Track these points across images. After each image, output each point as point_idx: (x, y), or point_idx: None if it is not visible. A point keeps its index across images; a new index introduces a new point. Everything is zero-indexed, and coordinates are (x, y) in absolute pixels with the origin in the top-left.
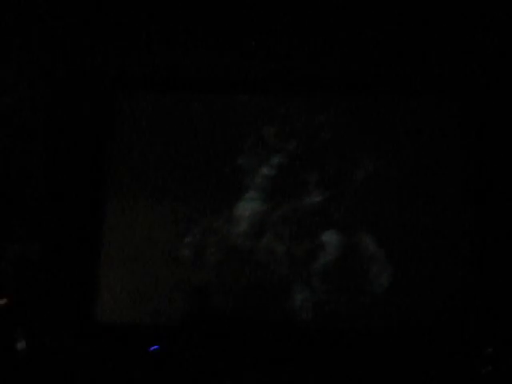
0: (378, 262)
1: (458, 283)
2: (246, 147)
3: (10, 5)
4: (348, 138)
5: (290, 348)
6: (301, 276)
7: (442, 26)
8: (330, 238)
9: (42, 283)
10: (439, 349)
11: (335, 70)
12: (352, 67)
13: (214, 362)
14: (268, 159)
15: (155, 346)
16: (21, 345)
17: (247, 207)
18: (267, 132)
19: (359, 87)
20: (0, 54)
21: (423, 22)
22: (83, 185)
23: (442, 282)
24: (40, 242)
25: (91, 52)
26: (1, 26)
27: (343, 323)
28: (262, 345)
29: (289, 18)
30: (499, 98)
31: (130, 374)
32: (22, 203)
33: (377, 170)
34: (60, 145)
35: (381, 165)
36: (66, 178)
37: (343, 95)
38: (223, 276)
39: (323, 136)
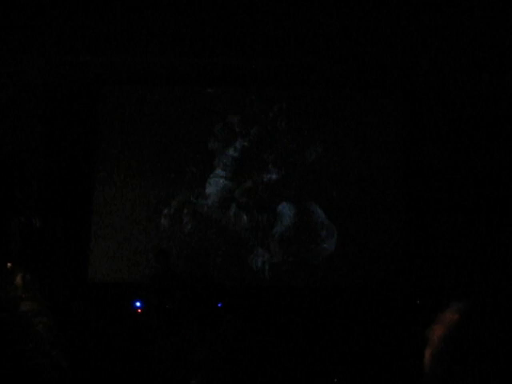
0: (326, 229)
1: (391, 247)
2: (214, 132)
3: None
4: (301, 125)
5: (251, 302)
6: (261, 240)
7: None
8: (285, 208)
9: (44, 250)
10: (378, 303)
11: (291, 65)
12: (304, 63)
13: (186, 314)
14: (233, 142)
15: (137, 302)
16: None
17: (216, 183)
18: (232, 120)
19: (310, 81)
20: None
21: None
22: (77, 167)
23: (377, 248)
24: (41, 215)
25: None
26: None
27: (296, 281)
28: (228, 299)
29: (248, 18)
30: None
31: (117, 326)
32: (25, 181)
33: (324, 152)
34: (57, 130)
35: (328, 147)
36: (62, 160)
37: (296, 88)
38: (196, 241)
39: (279, 123)
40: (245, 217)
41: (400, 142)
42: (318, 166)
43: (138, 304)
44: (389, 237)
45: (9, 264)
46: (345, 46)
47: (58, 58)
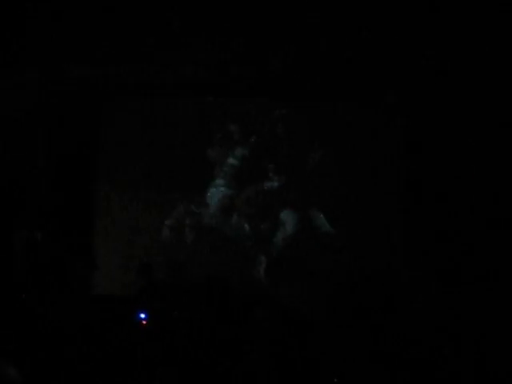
0: (329, 235)
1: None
2: (213, 142)
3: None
4: (299, 132)
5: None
6: (264, 248)
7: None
8: (287, 216)
9: (46, 263)
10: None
11: (289, 73)
12: (299, 75)
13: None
14: (233, 151)
15: (142, 313)
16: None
17: (217, 193)
18: (231, 128)
19: (308, 91)
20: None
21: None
22: (77, 181)
23: (381, 252)
24: (42, 229)
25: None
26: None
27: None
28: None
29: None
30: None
31: (122, 340)
32: (25, 198)
33: (325, 157)
34: (57, 144)
35: (328, 152)
36: (63, 174)
37: (294, 96)
38: (199, 251)
39: (278, 131)
40: (247, 225)
41: (402, 145)
42: (319, 172)
43: (142, 316)
44: (393, 241)
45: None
46: (344, 52)
47: (56, 72)
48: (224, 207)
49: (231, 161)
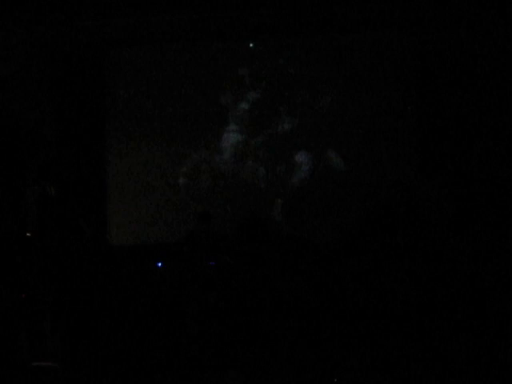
0: (345, 175)
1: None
2: (225, 87)
3: None
4: (311, 73)
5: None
6: (280, 191)
7: None
8: (302, 157)
9: (60, 218)
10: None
11: (296, 12)
12: (309, 8)
13: (208, 273)
14: (245, 95)
15: (159, 263)
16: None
17: (230, 138)
18: (242, 73)
19: (316, 27)
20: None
21: None
22: (88, 132)
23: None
24: (55, 183)
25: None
26: None
27: (316, 231)
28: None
29: None
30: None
31: (139, 289)
32: (37, 152)
33: (338, 97)
34: (66, 98)
35: (340, 92)
36: (74, 126)
37: (303, 35)
38: (215, 197)
39: (290, 72)
40: (262, 169)
41: (412, 81)
42: (332, 112)
43: (159, 265)
44: (406, 178)
45: (28, 234)
46: None
47: (62, 24)
48: (238, 152)
49: (243, 105)
